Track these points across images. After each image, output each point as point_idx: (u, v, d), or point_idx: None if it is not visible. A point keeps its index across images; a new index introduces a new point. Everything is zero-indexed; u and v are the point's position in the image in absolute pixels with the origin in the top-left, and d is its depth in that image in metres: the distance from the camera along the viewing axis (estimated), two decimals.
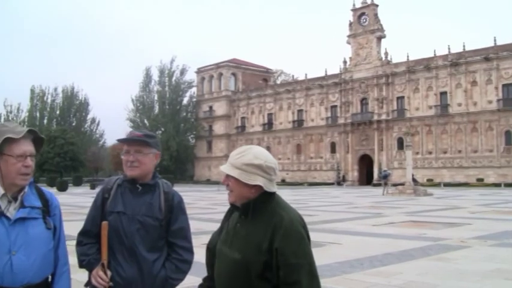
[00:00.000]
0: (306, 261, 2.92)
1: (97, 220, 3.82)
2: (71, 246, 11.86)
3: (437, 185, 69.98)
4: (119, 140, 3.98)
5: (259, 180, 3.03)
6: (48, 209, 3.18)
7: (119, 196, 3.82)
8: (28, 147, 3.04)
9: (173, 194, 3.93)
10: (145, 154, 3.84)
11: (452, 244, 14.24)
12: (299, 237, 2.97)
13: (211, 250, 3.27)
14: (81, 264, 3.81)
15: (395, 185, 54.22)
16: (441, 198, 40.78)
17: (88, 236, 3.85)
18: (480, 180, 71.69)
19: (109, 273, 3.63)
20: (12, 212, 2.99)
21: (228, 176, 3.10)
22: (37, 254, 3.00)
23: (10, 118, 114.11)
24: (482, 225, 19.41)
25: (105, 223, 3.67)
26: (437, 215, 24.13)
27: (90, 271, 3.74)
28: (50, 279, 3.23)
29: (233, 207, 3.20)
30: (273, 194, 3.09)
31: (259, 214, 3.04)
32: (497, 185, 67.29)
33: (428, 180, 73.94)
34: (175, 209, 3.88)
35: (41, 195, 3.20)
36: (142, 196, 3.82)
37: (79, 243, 3.87)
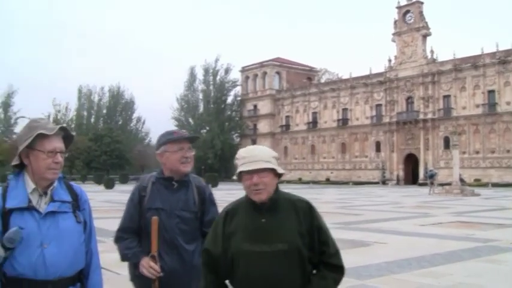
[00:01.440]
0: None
1: (135, 217, 4.06)
2: None
3: (485, 185, 68.70)
4: (174, 138, 4.10)
5: (281, 170, 3.29)
6: (77, 203, 3.23)
7: (156, 193, 4.04)
8: (58, 143, 3.10)
9: (204, 188, 4.18)
10: (193, 152, 4.13)
11: (502, 246, 13.96)
12: (319, 213, 3.35)
13: (217, 257, 3.27)
14: (126, 257, 4.03)
15: (441, 184, 53.49)
16: (489, 199, 40.06)
17: (127, 232, 4.06)
18: None
19: (159, 264, 3.81)
20: (42, 206, 3.05)
21: (259, 173, 3.18)
22: (68, 247, 3.04)
23: (58, 117, 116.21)
24: None
25: (155, 218, 3.85)
26: (485, 216, 23.71)
27: (135, 263, 3.92)
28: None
29: (254, 205, 3.23)
30: None
31: (280, 203, 3.25)
32: None
33: (475, 180, 72.62)
34: (207, 201, 4.13)
35: (71, 190, 3.25)
36: (178, 192, 4.05)
37: (119, 239, 4.10)
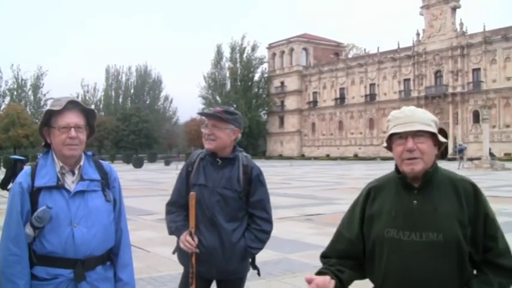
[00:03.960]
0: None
1: (182, 191, 4.05)
2: (148, 221, 12.06)
3: None
4: (198, 113, 4.17)
5: (442, 138, 2.70)
6: (107, 182, 3.20)
7: (201, 169, 4.01)
8: (72, 119, 3.03)
9: (252, 167, 4.04)
10: (222, 129, 3.95)
11: None
12: (486, 198, 2.70)
13: (351, 242, 2.82)
14: (171, 231, 4.05)
15: (471, 159, 53.01)
16: None
17: (175, 206, 4.08)
18: None
19: (196, 239, 3.81)
20: (71, 184, 3.03)
21: (415, 137, 2.61)
22: (98, 226, 3.03)
23: (87, 98, 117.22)
24: None
25: (192, 194, 3.84)
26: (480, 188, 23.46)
27: (178, 237, 3.93)
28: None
29: (404, 182, 2.69)
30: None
31: (437, 182, 2.66)
32: None
33: (505, 154, 71.75)
34: (253, 182, 4.00)
35: (100, 168, 3.22)
36: (222, 169, 3.98)
37: (168, 212, 4.12)
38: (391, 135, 2.69)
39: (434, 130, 2.64)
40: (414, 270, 2.56)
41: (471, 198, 2.61)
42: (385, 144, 2.78)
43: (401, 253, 2.60)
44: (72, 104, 3.04)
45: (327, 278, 2.63)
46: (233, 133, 4.02)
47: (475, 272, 2.65)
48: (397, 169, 2.74)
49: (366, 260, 2.78)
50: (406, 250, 2.59)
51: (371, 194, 2.83)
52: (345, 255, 2.83)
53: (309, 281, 2.58)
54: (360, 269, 2.82)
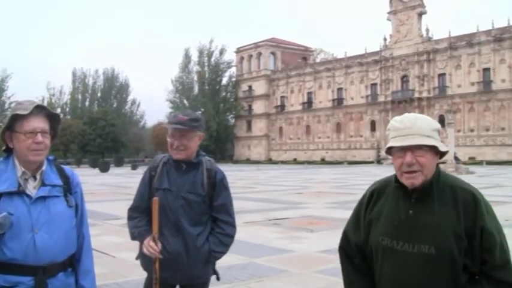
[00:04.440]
0: (504, 238, 2.56)
1: (145, 196, 4.01)
2: (114, 226, 11.95)
3: (480, 163, 68.92)
4: (167, 125, 4.01)
5: (445, 147, 2.61)
6: (69, 187, 3.14)
7: (165, 174, 3.98)
8: (38, 123, 2.97)
9: (216, 171, 4.04)
10: (190, 138, 3.93)
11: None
12: (491, 210, 2.58)
13: (358, 246, 2.79)
14: (133, 236, 3.99)
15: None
16: (484, 177, 40.22)
17: (137, 211, 4.03)
18: None
19: (159, 244, 3.76)
20: (32, 190, 2.97)
21: (414, 151, 2.54)
22: (60, 232, 2.97)
23: (53, 101, 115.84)
24: None
25: (156, 199, 3.79)
26: (483, 197, 23.74)
27: (141, 242, 3.89)
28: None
29: (402, 190, 2.63)
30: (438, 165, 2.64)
31: (437, 192, 2.57)
32: None
33: (470, 158, 72.87)
34: (217, 186, 4.00)
35: (62, 173, 3.16)
36: (187, 173, 3.96)
37: (130, 218, 4.07)
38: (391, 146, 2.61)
39: (435, 142, 2.57)
40: (405, 281, 2.54)
41: (470, 209, 2.52)
42: (384, 153, 2.74)
43: (394, 262, 2.58)
44: (38, 109, 3.00)
45: None
46: (199, 139, 4.01)
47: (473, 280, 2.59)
48: (395, 176, 2.69)
49: (370, 263, 2.77)
50: (398, 260, 2.57)
51: (374, 196, 2.78)
52: (352, 261, 2.84)
53: None
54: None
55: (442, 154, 2.64)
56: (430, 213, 2.52)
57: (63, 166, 3.25)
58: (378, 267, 2.67)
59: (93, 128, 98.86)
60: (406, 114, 2.68)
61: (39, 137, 2.95)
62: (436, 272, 2.49)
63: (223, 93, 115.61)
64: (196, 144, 3.99)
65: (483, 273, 2.51)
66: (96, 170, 64.20)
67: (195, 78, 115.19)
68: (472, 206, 2.51)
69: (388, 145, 2.61)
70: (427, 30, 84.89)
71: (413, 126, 2.55)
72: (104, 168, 63.12)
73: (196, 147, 3.99)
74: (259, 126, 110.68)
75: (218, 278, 4.13)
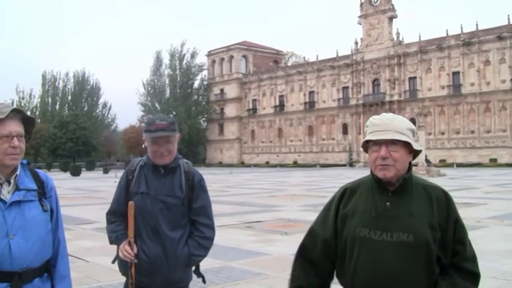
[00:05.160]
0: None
1: (122, 200, 3.96)
2: (87, 230, 11.82)
3: (450, 165, 69.77)
4: (148, 130, 3.88)
5: (418, 146, 2.76)
6: (43, 191, 3.09)
7: (142, 177, 3.94)
8: (15, 127, 2.93)
9: (194, 173, 4.02)
10: (173, 142, 3.93)
11: (469, 224, 14.05)
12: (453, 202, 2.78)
13: (326, 242, 2.85)
14: (111, 240, 3.95)
15: None
16: (454, 179, 40.69)
17: (115, 215, 3.98)
18: (493, 160, 71.35)
19: (135, 248, 3.72)
20: (6, 195, 2.92)
21: (389, 145, 2.69)
22: (35, 237, 2.92)
23: (22, 104, 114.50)
24: (497, 205, 19.39)
25: (131, 203, 3.76)
26: (451, 196, 23.99)
27: (118, 246, 3.84)
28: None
29: (379, 184, 2.76)
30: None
31: (410, 187, 2.73)
32: (510, 165, 66.91)
33: (441, 160, 73.66)
34: (196, 188, 3.97)
35: (36, 177, 3.11)
36: (164, 177, 3.92)
37: (108, 222, 4.02)
38: (368, 141, 2.77)
39: (409, 139, 2.71)
40: (384, 269, 2.63)
41: (443, 204, 2.71)
42: (355, 156, 2.81)
43: (372, 252, 2.67)
44: (14, 112, 2.95)
45: None
46: (177, 141, 4.00)
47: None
48: (372, 172, 2.81)
49: (338, 262, 2.85)
50: (376, 249, 2.66)
51: (346, 193, 2.89)
52: (312, 257, 2.90)
53: None
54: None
55: (415, 155, 2.78)
56: (407, 206, 2.67)
57: (37, 170, 3.20)
58: (353, 259, 2.72)
59: (64, 131, 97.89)
60: (385, 114, 2.85)
61: (16, 141, 2.90)
62: (413, 259, 2.60)
63: (195, 97, 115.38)
64: (176, 146, 3.97)
65: (453, 265, 2.69)
66: (67, 174, 63.66)
67: (167, 81, 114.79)
68: (444, 202, 2.71)
69: (365, 139, 2.78)
70: (398, 34, 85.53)
71: (390, 124, 2.73)
72: (75, 172, 62.62)
73: (176, 149, 3.98)
74: (231, 130, 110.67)
75: (204, 281, 4.09)
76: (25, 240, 2.88)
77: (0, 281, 2.82)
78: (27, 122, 3.05)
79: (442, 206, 2.70)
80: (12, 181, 2.96)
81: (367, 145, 2.80)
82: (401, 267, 2.61)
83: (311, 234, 2.95)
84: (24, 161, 3.08)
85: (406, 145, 2.72)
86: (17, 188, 2.95)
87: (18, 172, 2.99)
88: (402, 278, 2.61)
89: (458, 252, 2.69)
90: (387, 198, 2.71)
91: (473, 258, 2.72)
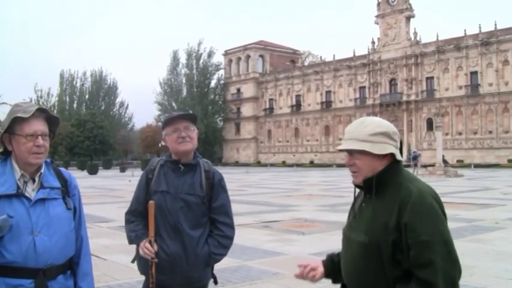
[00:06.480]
0: (440, 239, 2.54)
1: (142, 199, 3.96)
2: (104, 228, 11.85)
3: (468, 166, 69.26)
4: (168, 120, 4.00)
5: (390, 149, 2.72)
6: (67, 189, 3.15)
7: (162, 176, 3.94)
8: (39, 126, 2.98)
9: (214, 172, 4.04)
10: (193, 130, 3.97)
11: (487, 225, 14.08)
12: (430, 211, 2.58)
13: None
14: (130, 240, 3.94)
15: (425, 166, 53.77)
16: (472, 179, 40.43)
17: (134, 215, 3.99)
18: (511, 161, 70.72)
19: (155, 246, 3.72)
20: (31, 192, 2.96)
21: (351, 154, 2.77)
22: (59, 234, 2.97)
23: (40, 103, 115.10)
24: None
25: (151, 202, 3.76)
26: (469, 196, 23.90)
27: (138, 245, 3.84)
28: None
29: (359, 188, 2.86)
30: (400, 164, 2.77)
31: (385, 189, 2.69)
32: None
33: (458, 161, 73.17)
34: (216, 187, 3.98)
35: (60, 176, 3.16)
36: (184, 175, 3.93)
37: (127, 222, 4.03)
38: None
39: (367, 146, 2.69)
40: (348, 266, 2.78)
41: (403, 206, 2.58)
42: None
43: (345, 249, 2.82)
44: (39, 112, 2.98)
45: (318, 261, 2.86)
46: (196, 135, 4.03)
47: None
48: None
49: None
50: (347, 248, 2.81)
51: (355, 194, 2.96)
52: None
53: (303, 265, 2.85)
54: None
55: (393, 155, 2.75)
56: (373, 207, 2.71)
57: (60, 169, 3.24)
58: (341, 254, 2.90)
59: (81, 130, 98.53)
60: (358, 119, 2.89)
61: (40, 140, 2.94)
62: (367, 259, 2.65)
63: (212, 96, 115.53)
64: (196, 138, 4.00)
65: (410, 271, 2.55)
66: (85, 173, 64.02)
67: (184, 80, 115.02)
68: (405, 203, 2.58)
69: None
70: (415, 33, 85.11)
71: (353, 131, 2.77)
72: (92, 171, 62.99)
73: (197, 142, 4.01)
74: (247, 129, 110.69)
75: (216, 282, 4.09)
76: (49, 237, 2.91)
77: (26, 277, 2.85)
78: (52, 121, 3.09)
79: (402, 208, 2.58)
80: (36, 179, 3.00)
81: None
82: (358, 265, 2.70)
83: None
84: (48, 160, 3.12)
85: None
86: (42, 186, 2.99)
87: (42, 170, 3.03)
88: (360, 277, 2.69)
89: (411, 257, 2.52)
90: (364, 199, 2.81)
91: (428, 266, 2.48)
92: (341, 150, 2.80)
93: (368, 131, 2.73)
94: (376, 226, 2.64)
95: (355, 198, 2.96)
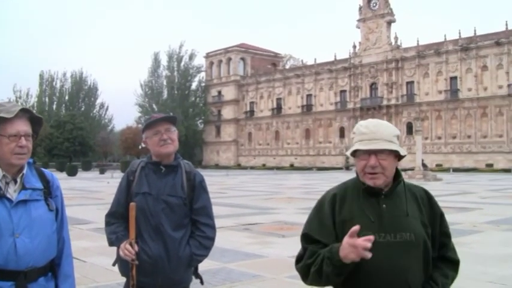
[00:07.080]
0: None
1: (122, 201, 3.94)
2: (84, 230, 11.79)
3: (447, 170, 69.75)
4: (149, 123, 3.98)
5: (404, 152, 2.84)
6: (49, 190, 3.10)
7: (144, 178, 3.93)
8: (23, 127, 2.95)
9: (195, 174, 4.02)
10: (174, 132, 3.96)
11: (465, 229, 14.19)
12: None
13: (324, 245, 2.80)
14: (111, 242, 3.91)
15: (404, 170, 54.05)
16: (451, 183, 40.75)
17: (115, 217, 3.96)
18: (489, 165, 71.51)
19: (136, 248, 3.70)
20: (13, 193, 2.92)
21: (378, 154, 2.76)
22: (41, 236, 2.93)
23: (19, 104, 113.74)
24: (493, 210, 19.42)
25: (132, 204, 3.74)
26: (447, 200, 24.00)
27: (118, 247, 3.81)
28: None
29: (368, 191, 2.80)
30: None
31: (399, 190, 2.85)
32: (506, 171, 67.05)
33: (437, 165, 73.79)
34: (197, 188, 3.97)
35: (42, 176, 3.12)
36: (166, 176, 3.92)
37: (107, 224, 4.00)
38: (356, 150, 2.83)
39: (396, 147, 2.78)
40: (389, 269, 2.70)
41: (425, 201, 2.88)
42: (348, 154, 2.89)
43: (377, 254, 2.63)
44: (22, 112, 2.96)
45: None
46: (177, 136, 4.02)
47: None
48: (358, 178, 2.89)
49: None
50: (381, 251, 2.68)
51: (336, 199, 2.88)
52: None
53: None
54: None
55: (399, 158, 2.86)
56: (401, 206, 2.79)
57: (43, 169, 3.21)
58: (360, 263, 2.66)
59: (61, 131, 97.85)
60: (370, 120, 2.92)
61: (23, 141, 2.91)
62: (416, 256, 2.75)
63: (193, 98, 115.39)
64: (177, 140, 3.99)
65: (440, 257, 2.90)
66: (64, 174, 63.53)
67: (164, 82, 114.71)
68: (426, 199, 2.90)
69: (354, 148, 2.82)
70: (396, 38, 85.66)
71: (377, 132, 2.78)
72: (72, 172, 62.59)
73: (178, 143, 4.00)
74: (228, 132, 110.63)
75: (202, 282, 4.09)
76: (31, 239, 2.88)
77: (6, 280, 2.83)
78: (35, 122, 3.06)
79: (425, 203, 2.88)
80: (18, 180, 2.96)
81: (355, 153, 2.85)
82: (406, 264, 2.72)
83: (308, 238, 2.91)
84: (30, 160, 3.09)
85: (393, 152, 2.80)
86: (23, 187, 2.96)
87: (24, 171, 3.00)
88: (408, 274, 2.72)
89: (445, 244, 2.91)
90: (381, 201, 2.80)
91: (454, 249, 2.96)
92: (363, 151, 2.78)
93: (391, 132, 2.81)
94: (416, 223, 2.78)
95: (332, 205, 2.86)
